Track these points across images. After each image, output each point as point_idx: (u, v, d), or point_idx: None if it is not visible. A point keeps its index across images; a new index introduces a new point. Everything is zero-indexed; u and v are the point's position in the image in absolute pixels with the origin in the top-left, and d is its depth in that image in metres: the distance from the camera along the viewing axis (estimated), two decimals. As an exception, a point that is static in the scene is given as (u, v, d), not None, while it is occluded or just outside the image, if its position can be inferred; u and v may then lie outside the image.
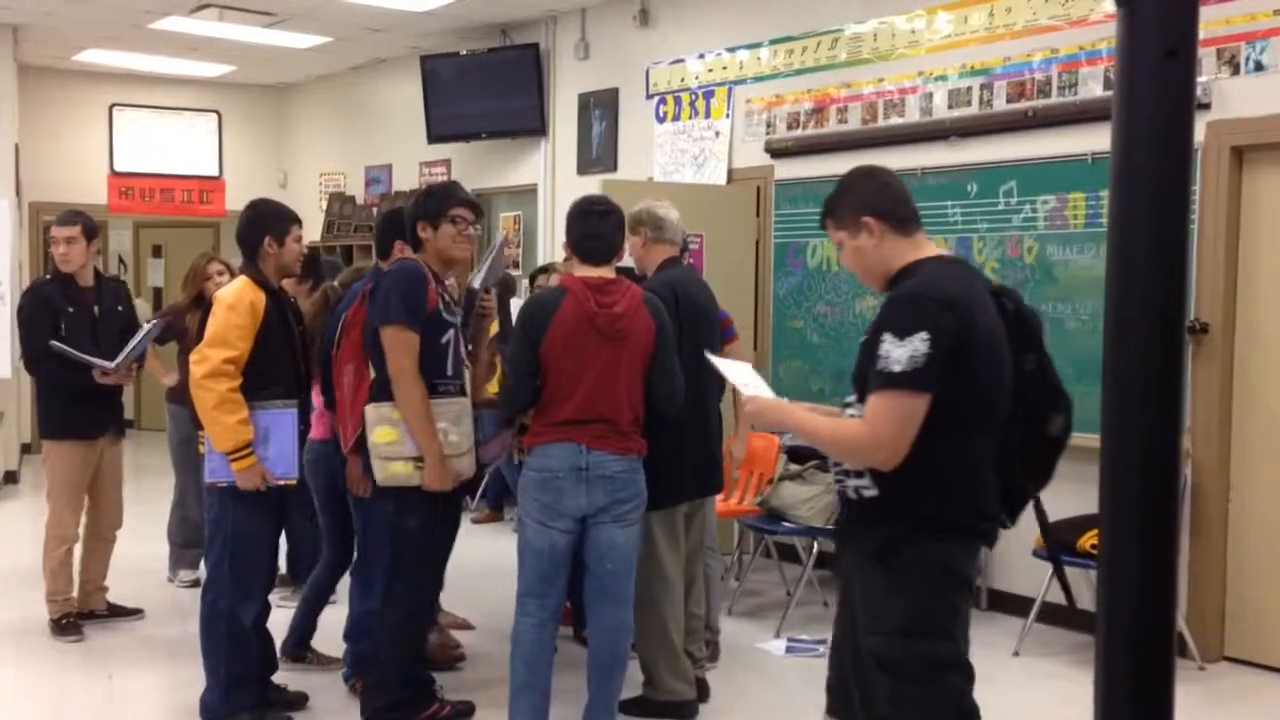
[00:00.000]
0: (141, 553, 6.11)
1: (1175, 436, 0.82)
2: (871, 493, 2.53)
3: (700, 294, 4.35)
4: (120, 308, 5.26)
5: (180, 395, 5.80)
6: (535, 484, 3.66)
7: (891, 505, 2.53)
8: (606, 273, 3.77)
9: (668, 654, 4.20)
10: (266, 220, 4.13)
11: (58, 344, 4.92)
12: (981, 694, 4.81)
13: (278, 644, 4.40)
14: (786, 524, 5.41)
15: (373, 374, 3.89)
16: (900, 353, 2.40)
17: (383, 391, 3.84)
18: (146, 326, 5.15)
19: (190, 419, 5.59)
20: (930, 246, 2.67)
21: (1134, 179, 0.76)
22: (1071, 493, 5.26)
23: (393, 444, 3.78)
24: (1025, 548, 5.28)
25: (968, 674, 2.62)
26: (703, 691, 4.39)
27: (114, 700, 4.45)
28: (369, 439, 3.85)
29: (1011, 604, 5.54)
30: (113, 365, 4.98)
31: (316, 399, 4.42)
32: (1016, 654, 5.05)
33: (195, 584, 5.87)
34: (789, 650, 5.09)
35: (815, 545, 5.56)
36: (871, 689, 2.58)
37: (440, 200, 4.02)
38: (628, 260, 5.79)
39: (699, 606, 4.49)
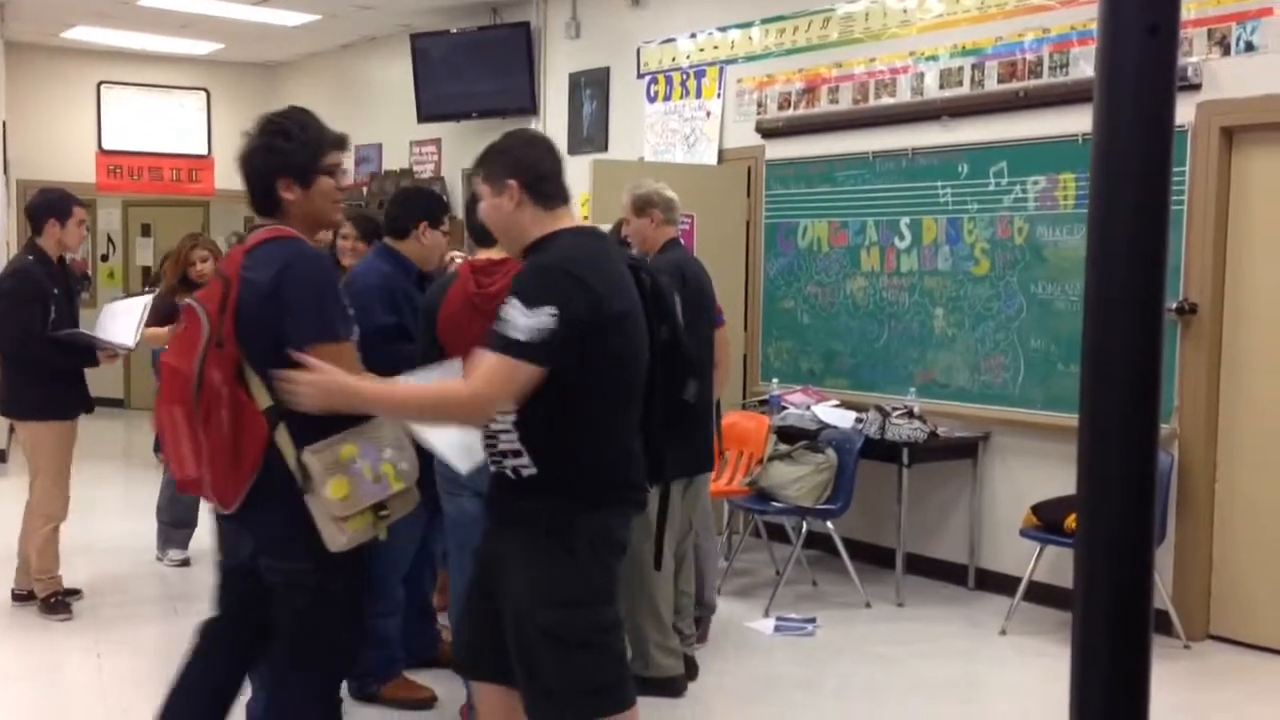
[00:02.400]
0: (129, 530, 6.11)
1: (1153, 416, 0.83)
2: (531, 471, 2.57)
3: (703, 277, 4.41)
4: (79, 289, 5.32)
5: None
6: (436, 459, 3.68)
7: (551, 482, 2.58)
8: (495, 254, 3.77)
9: (658, 631, 4.23)
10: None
11: (79, 331, 5.03)
12: (969, 671, 4.87)
13: None
14: (776, 504, 5.43)
15: (265, 404, 2.69)
16: (526, 322, 2.41)
17: (312, 427, 2.70)
18: (145, 299, 5.15)
19: None
20: (569, 221, 2.69)
21: (1115, 156, 0.76)
22: (1058, 474, 5.32)
23: (347, 499, 2.73)
24: (1012, 528, 5.32)
25: (622, 635, 2.75)
26: (691, 669, 4.42)
27: (102, 678, 4.46)
28: (316, 496, 2.73)
29: (998, 583, 5.57)
30: (132, 345, 5.00)
31: None
32: (1003, 632, 5.09)
33: (185, 563, 5.88)
34: (778, 629, 5.12)
35: (804, 525, 5.58)
36: (536, 662, 2.63)
37: (314, 148, 2.90)
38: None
39: (688, 585, 4.52)
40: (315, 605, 2.81)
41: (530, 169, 2.63)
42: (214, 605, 3.07)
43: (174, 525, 5.94)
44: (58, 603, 5.07)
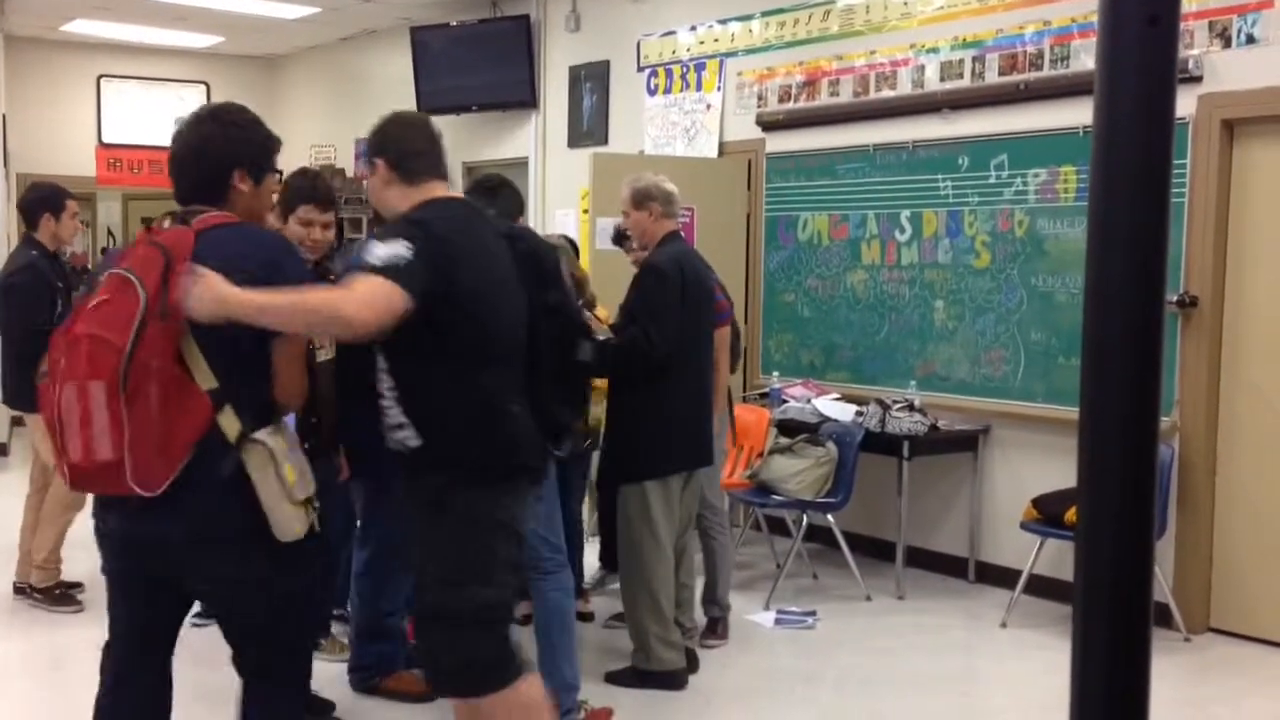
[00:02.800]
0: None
1: (1153, 408, 0.82)
2: (416, 442, 2.62)
3: (704, 272, 4.40)
4: (71, 281, 5.24)
5: None
6: None
7: (435, 454, 2.64)
8: None
9: (659, 624, 4.23)
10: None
11: None
12: (969, 664, 4.87)
13: None
14: (776, 497, 5.43)
15: (209, 385, 2.45)
16: (382, 250, 2.52)
17: (252, 412, 2.52)
18: None
19: None
20: (441, 193, 2.78)
21: (1116, 146, 0.76)
22: (1059, 467, 5.32)
23: (297, 484, 2.55)
24: (1013, 521, 5.32)
25: (510, 617, 2.78)
26: (692, 662, 4.43)
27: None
28: (273, 480, 2.51)
29: (999, 576, 5.57)
30: None
31: None
32: (1004, 625, 5.09)
33: None
34: (778, 622, 5.12)
35: (805, 518, 5.58)
36: (428, 639, 2.71)
37: (268, 145, 2.89)
38: (607, 237, 5.80)
39: (689, 578, 4.53)
40: (271, 610, 2.59)
41: (395, 147, 2.75)
42: (118, 623, 2.69)
43: None
44: (63, 594, 5.07)
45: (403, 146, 2.78)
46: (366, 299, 2.46)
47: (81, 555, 5.57)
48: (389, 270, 2.49)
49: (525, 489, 2.79)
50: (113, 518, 2.54)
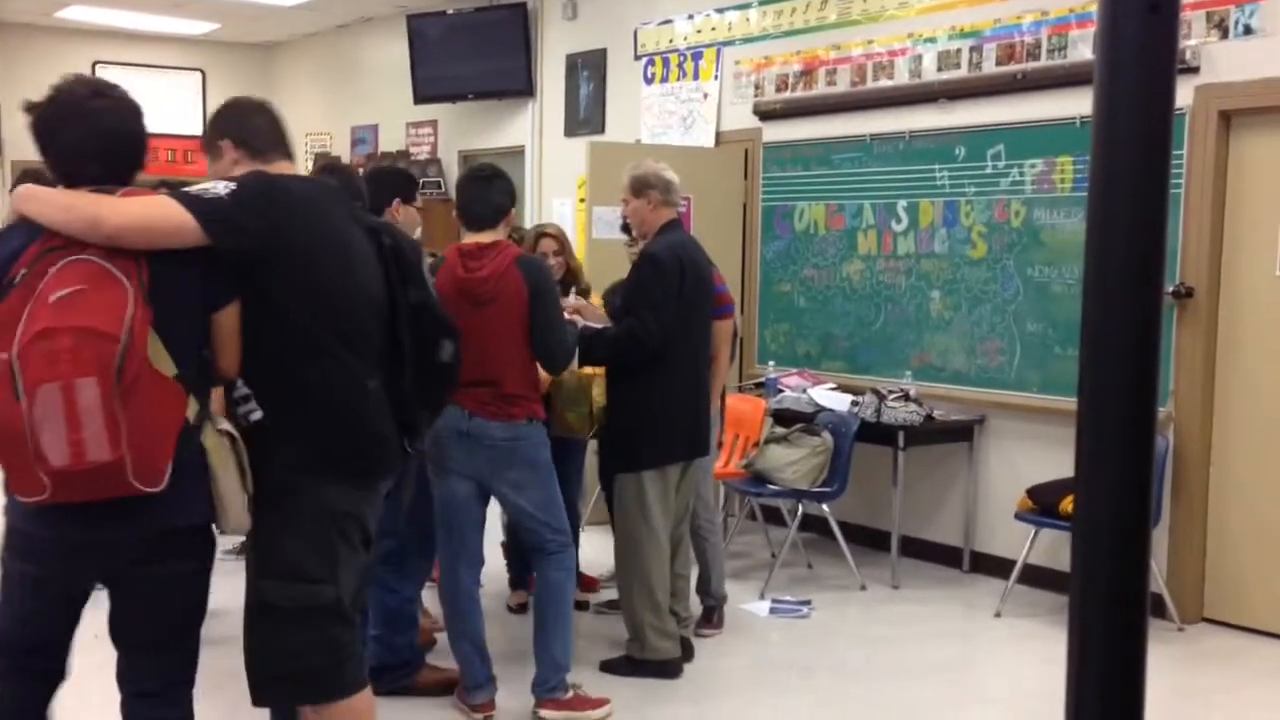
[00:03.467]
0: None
1: (1151, 398, 0.82)
2: (257, 415, 2.54)
3: (702, 261, 4.38)
4: None
5: None
6: (427, 442, 3.65)
7: (278, 436, 2.54)
8: (485, 238, 3.84)
9: (653, 614, 4.24)
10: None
11: None
12: (964, 653, 4.88)
13: None
14: (771, 487, 5.44)
15: (170, 372, 2.36)
16: (199, 189, 2.49)
17: (207, 398, 2.57)
18: None
19: None
20: (289, 169, 2.74)
21: (1116, 131, 0.75)
22: (1054, 457, 5.32)
23: (249, 475, 2.56)
24: (1007, 511, 5.33)
25: (345, 619, 2.64)
26: (688, 651, 4.43)
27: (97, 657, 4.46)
28: (234, 472, 2.52)
29: (993, 565, 5.58)
30: None
31: None
32: (998, 615, 5.10)
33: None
34: (773, 611, 5.13)
35: (800, 508, 5.59)
36: (252, 635, 2.59)
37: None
38: (608, 227, 5.79)
39: (685, 568, 4.53)
40: (202, 598, 2.54)
41: (237, 126, 2.71)
42: (33, 630, 2.54)
43: None
44: None
45: (245, 125, 2.72)
46: (135, 210, 2.35)
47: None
48: (187, 198, 2.42)
49: (374, 485, 2.68)
50: (58, 521, 2.34)
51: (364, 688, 2.67)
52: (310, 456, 2.56)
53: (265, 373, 2.54)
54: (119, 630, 2.52)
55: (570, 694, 3.90)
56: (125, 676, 2.54)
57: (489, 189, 3.89)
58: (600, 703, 3.95)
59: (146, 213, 2.37)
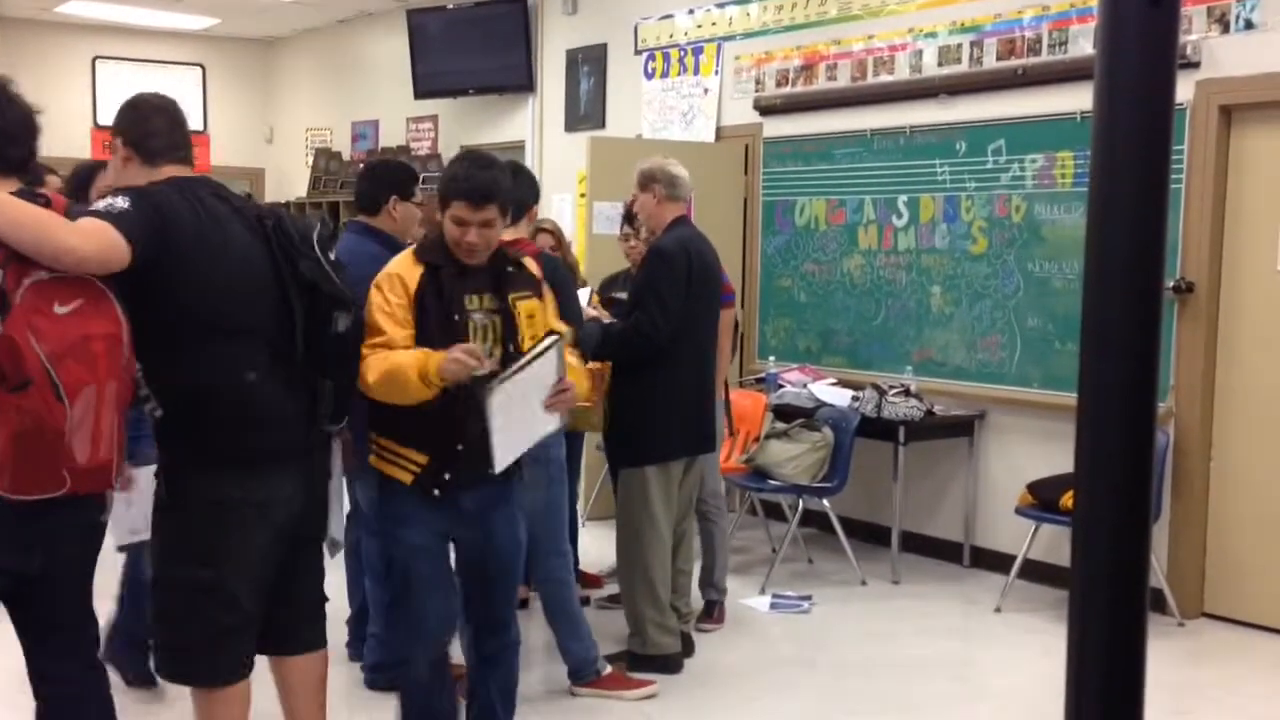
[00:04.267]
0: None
1: (1151, 393, 0.82)
2: (159, 412, 2.66)
3: (709, 254, 4.38)
4: None
5: None
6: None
7: (174, 428, 2.67)
8: (506, 234, 3.80)
9: (655, 609, 4.24)
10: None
11: None
12: (964, 648, 4.88)
13: None
14: (772, 482, 5.44)
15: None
16: (99, 204, 2.59)
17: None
18: None
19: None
20: (181, 172, 2.79)
21: (1115, 130, 0.75)
22: (1054, 452, 5.32)
23: None
24: (1008, 506, 5.33)
25: (230, 606, 2.70)
26: (688, 646, 4.44)
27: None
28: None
29: (994, 561, 5.58)
30: None
31: None
32: (998, 610, 5.10)
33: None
34: (773, 606, 5.13)
35: (800, 503, 5.59)
36: (150, 608, 2.77)
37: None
38: (608, 222, 5.79)
39: (687, 563, 4.53)
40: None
41: (136, 128, 2.77)
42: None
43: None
44: None
45: (143, 127, 2.78)
46: (87, 229, 2.47)
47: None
48: (106, 215, 2.51)
49: (275, 468, 2.73)
50: (37, 512, 2.46)
51: (240, 681, 2.75)
52: (197, 448, 2.67)
53: (153, 371, 2.63)
54: (38, 614, 2.66)
55: (607, 672, 4.05)
56: (35, 652, 2.68)
57: (512, 185, 3.90)
58: (640, 684, 4.05)
59: (92, 227, 2.48)
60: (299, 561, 2.86)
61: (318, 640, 2.96)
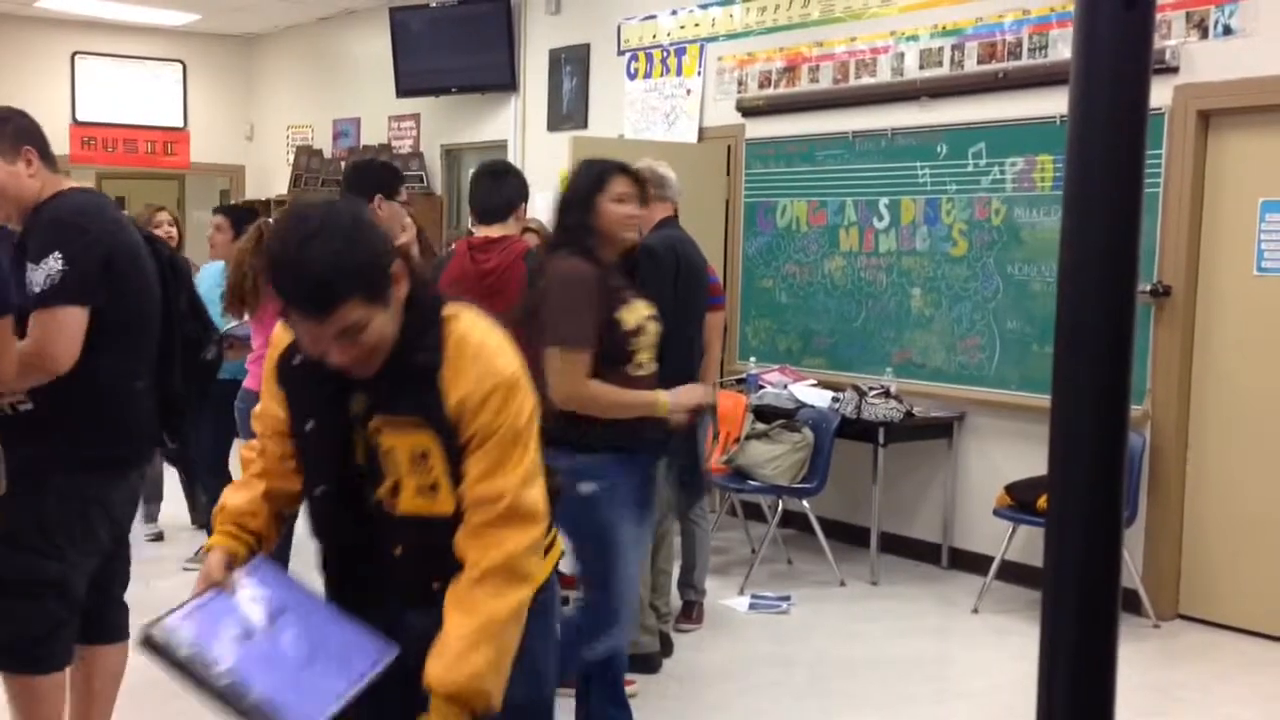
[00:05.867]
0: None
1: (1124, 394, 0.83)
2: (27, 406, 2.71)
3: (697, 257, 4.38)
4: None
5: None
6: None
7: (47, 423, 2.71)
8: (494, 232, 3.87)
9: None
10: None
11: None
12: (942, 649, 4.90)
13: None
14: (752, 482, 5.45)
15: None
16: (38, 275, 2.63)
17: None
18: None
19: None
20: (69, 182, 2.89)
21: (1090, 131, 0.76)
22: (1032, 454, 5.35)
23: None
24: (986, 507, 5.35)
25: (69, 598, 2.81)
26: (667, 646, 4.44)
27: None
28: None
29: (972, 562, 5.61)
30: None
31: (257, 339, 4.35)
32: (976, 611, 5.13)
33: (158, 537, 5.88)
34: (752, 607, 5.14)
35: (780, 504, 5.60)
36: None
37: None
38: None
39: (667, 563, 4.53)
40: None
41: (37, 136, 2.81)
42: None
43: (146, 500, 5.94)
44: None
45: (41, 135, 2.83)
46: (66, 342, 2.62)
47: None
48: (53, 296, 2.60)
49: (127, 476, 2.87)
50: None
51: (65, 668, 2.84)
52: (70, 445, 2.73)
53: None
54: None
55: None
56: None
57: (499, 184, 3.94)
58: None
59: (58, 331, 2.62)
60: (117, 553, 3.00)
61: (123, 631, 3.06)
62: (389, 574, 2.00)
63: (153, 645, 1.87)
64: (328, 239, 1.82)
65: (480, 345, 1.93)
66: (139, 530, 6.01)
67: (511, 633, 1.91)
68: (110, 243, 2.72)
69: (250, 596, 1.96)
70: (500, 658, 1.89)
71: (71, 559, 2.77)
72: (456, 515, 1.93)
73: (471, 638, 1.87)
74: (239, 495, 2.13)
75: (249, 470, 2.16)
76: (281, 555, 4.41)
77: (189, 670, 1.84)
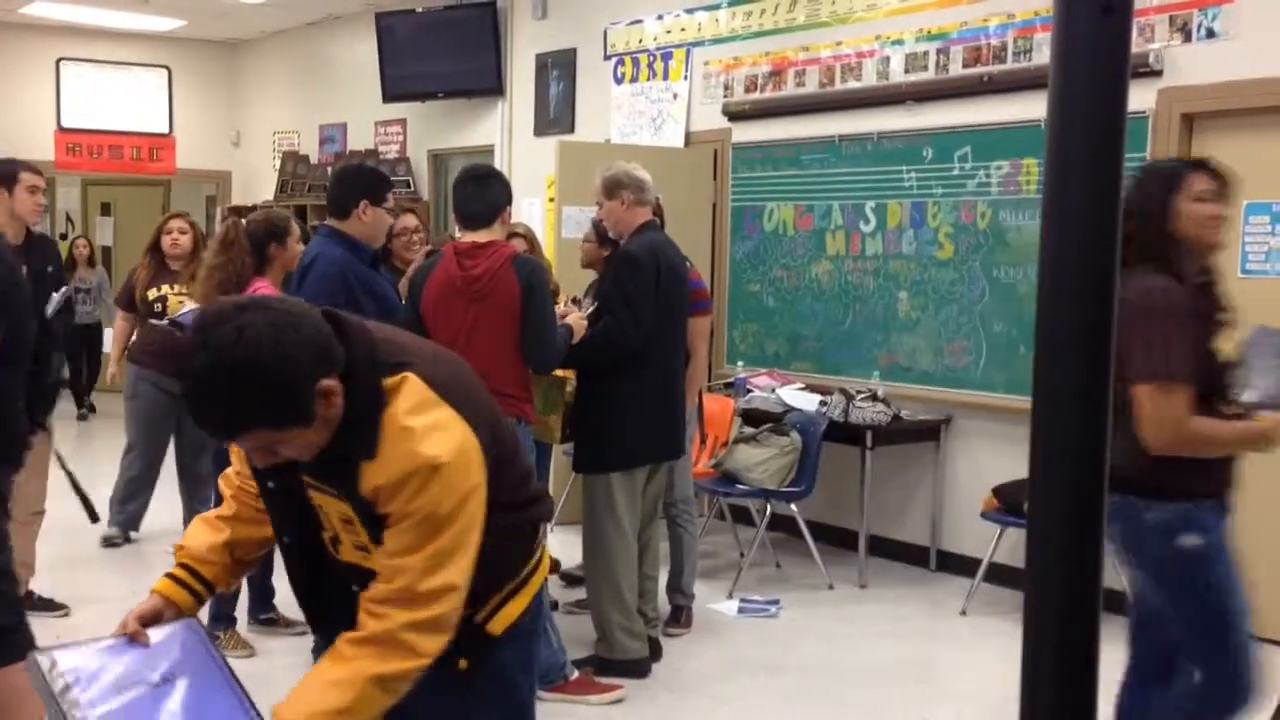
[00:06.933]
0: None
1: (1104, 398, 0.83)
2: None
3: (678, 261, 4.37)
4: (50, 268, 4.79)
5: (133, 353, 5.72)
6: None
7: None
8: (481, 237, 3.87)
9: (622, 614, 4.24)
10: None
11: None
12: (930, 651, 4.91)
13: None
14: (740, 486, 5.45)
15: None
16: None
17: None
18: (61, 291, 4.58)
19: (135, 376, 5.52)
20: None
21: (1069, 135, 0.77)
22: (1019, 456, 5.35)
23: None
24: (974, 510, 5.36)
25: (16, 583, 2.98)
26: (655, 651, 4.44)
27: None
28: None
29: (959, 564, 5.62)
30: None
31: None
32: (964, 613, 5.14)
33: (107, 542, 5.88)
34: (741, 611, 5.14)
35: (768, 507, 5.60)
36: None
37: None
38: (577, 226, 5.79)
39: (654, 569, 4.53)
40: None
41: None
42: None
43: (121, 501, 5.92)
44: (41, 599, 4.92)
45: None
46: None
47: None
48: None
49: (14, 473, 3.09)
50: None
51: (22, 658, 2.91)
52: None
53: None
54: None
55: (574, 677, 4.06)
56: None
57: (483, 189, 3.92)
58: (607, 688, 4.05)
59: None
60: None
61: None
62: (356, 608, 2.00)
63: (34, 668, 1.84)
64: (219, 383, 1.72)
65: (406, 430, 1.83)
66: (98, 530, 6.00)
67: (374, 695, 1.85)
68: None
69: (155, 653, 1.93)
70: (352, 711, 1.83)
71: (6, 548, 2.95)
72: None
73: (327, 682, 1.85)
74: (201, 539, 2.09)
75: (221, 509, 2.14)
76: (266, 565, 4.43)
77: (56, 703, 1.81)
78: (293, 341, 1.74)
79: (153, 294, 5.57)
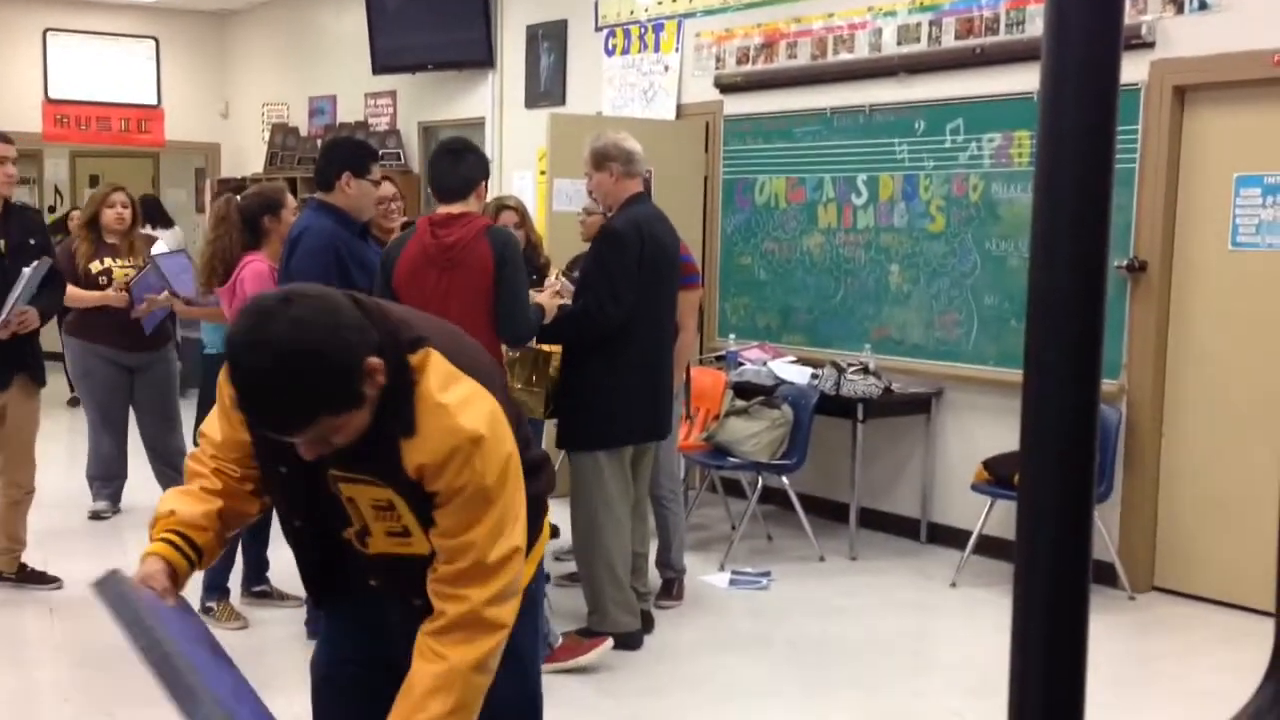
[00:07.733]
0: (56, 484, 6.07)
1: (1095, 366, 0.84)
2: None
3: (665, 234, 4.31)
4: (33, 240, 4.65)
5: (75, 327, 5.67)
6: None
7: None
8: (455, 209, 3.86)
9: (614, 587, 4.25)
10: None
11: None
12: (920, 623, 4.94)
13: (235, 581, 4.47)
14: (732, 459, 5.46)
15: None
16: None
17: None
18: (33, 265, 4.43)
19: (82, 351, 5.50)
20: None
21: (1061, 106, 0.76)
22: (1010, 429, 5.38)
23: None
24: (964, 482, 5.39)
25: None
26: (647, 623, 4.46)
27: (54, 634, 4.43)
28: None
29: (950, 536, 5.65)
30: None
31: (229, 308, 4.32)
32: (954, 585, 5.17)
33: (95, 515, 5.90)
34: (733, 583, 5.16)
35: (760, 480, 5.62)
36: None
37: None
38: (569, 199, 5.77)
39: (643, 545, 4.54)
40: None
41: None
42: None
43: (103, 479, 5.92)
44: (34, 572, 4.92)
45: None
46: None
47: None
48: None
49: None
50: None
51: None
52: None
53: None
54: None
55: (559, 643, 4.06)
56: None
57: (458, 162, 3.91)
58: (593, 644, 4.10)
59: None
60: None
61: None
62: (369, 594, 2.02)
63: (105, 589, 1.84)
64: (286, 376, 1.71)
65: (441, 406, 1.84)
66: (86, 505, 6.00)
67: (476, 681, 1.90)
68: None
69: (176, 617, 1.94)
70: (461, 706, 1.88)
71: None
72: (433, 552, 1.95)
73: (432, 685, 1.87)
74: (193, 506, 2.05)
75: (199, 482, 2.08)
76: (260, 536, 4.43)
77: (141, 621, 1.79)
78: (343, 325, 1.76)
79: (96, 267, 5.53)
